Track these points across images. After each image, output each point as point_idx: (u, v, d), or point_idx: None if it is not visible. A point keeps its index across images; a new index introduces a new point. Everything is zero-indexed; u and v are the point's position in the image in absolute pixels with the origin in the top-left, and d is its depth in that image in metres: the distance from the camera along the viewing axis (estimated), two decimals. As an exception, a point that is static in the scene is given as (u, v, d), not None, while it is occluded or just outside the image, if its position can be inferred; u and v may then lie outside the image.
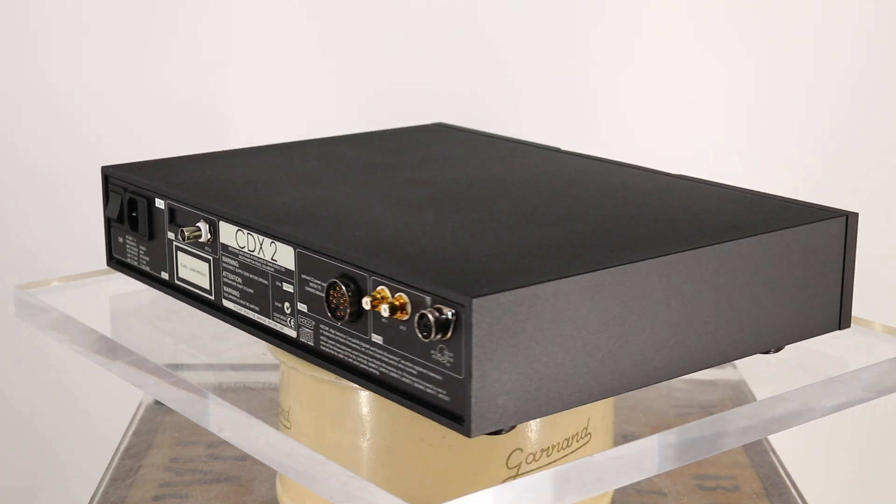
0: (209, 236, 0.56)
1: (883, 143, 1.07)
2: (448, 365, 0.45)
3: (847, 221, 0.55)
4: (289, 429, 0.58)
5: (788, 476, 0.69)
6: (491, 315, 0.44)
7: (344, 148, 0.68)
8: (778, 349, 0.54)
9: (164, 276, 0.60)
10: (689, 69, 1.06)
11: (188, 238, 0.56)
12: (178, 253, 0.59)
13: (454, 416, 0.45)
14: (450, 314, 0.44)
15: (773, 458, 0.71)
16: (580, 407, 0.55)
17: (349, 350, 0.50)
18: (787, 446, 0.80)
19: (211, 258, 0.57)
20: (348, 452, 0.55)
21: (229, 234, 0.55)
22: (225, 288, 0.56)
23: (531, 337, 0.45)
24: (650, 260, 0.48)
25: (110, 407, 1.04)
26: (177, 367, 0.63)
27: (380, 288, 0.47)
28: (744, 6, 1.05)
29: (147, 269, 0.61)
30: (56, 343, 0.65)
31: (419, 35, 1.05)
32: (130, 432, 0.74)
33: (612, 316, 0.48)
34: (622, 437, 0.66)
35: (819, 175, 1.07)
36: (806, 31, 1.05)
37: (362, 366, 0.49)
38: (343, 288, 0.48)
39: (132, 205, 0.61)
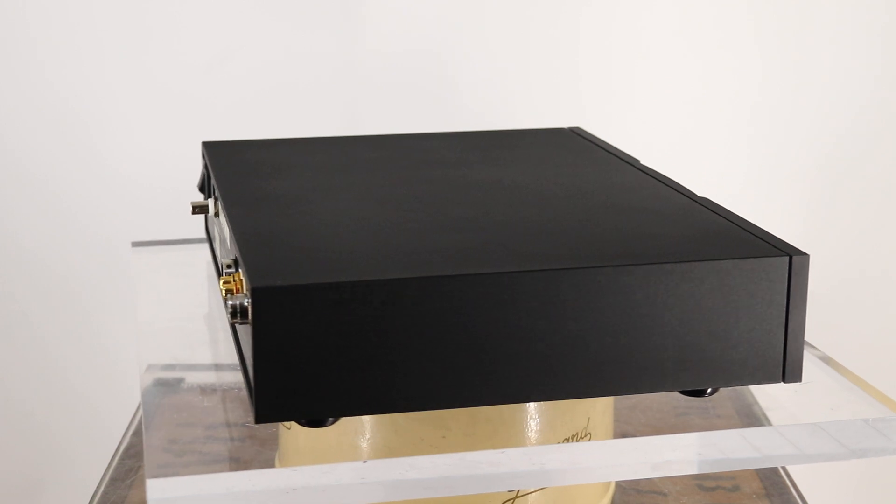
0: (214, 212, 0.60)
1: (890, 147, 1.07)
2: (250, 350, 0.46)
3: (791, 263, 0.49)
4: (289, 429, 0.58)
5: (788, 476, 0.69)
6: (280, 305, 0.44)
7: (432, 143, 0.69)
8: (712, 391, 0.50)
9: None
10: (691, 67, 1.06)
11: (194, 208, 0.62)
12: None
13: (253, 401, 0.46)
14: (246, 301, 0.45)
15: (774, 458, 0.71)
16: (580, 407, 0.55)
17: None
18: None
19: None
20: (348, 452, 0.55)
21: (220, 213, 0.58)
22: None
23: (331, 333, 0.45)
24: (513, 274, 0.47)
25: (111, 407, 1.04)
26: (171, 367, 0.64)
27: (237, 272, 0.48)
28: (747, 5, 1.05)
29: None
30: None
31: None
32: (130, 432, 0.74)
33: (451, 325, 0.46)
34: (622, 437, 0.66)
35: (824, 177, 1.07)
36: (814, 31, 1.05)
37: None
38: (233, 272, 0.50)
39: (205, 179, 0.66)
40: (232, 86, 1.06)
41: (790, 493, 0.66)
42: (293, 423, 0.58)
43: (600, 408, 0.58)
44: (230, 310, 0.46)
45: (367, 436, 0.55)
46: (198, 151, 0.72)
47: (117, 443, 0.73)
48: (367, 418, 0.55)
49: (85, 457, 1.06)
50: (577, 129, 0.73)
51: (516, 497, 0.55)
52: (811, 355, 0.62)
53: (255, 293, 0.45)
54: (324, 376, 0.46)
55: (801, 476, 0.73)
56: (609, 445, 0.53)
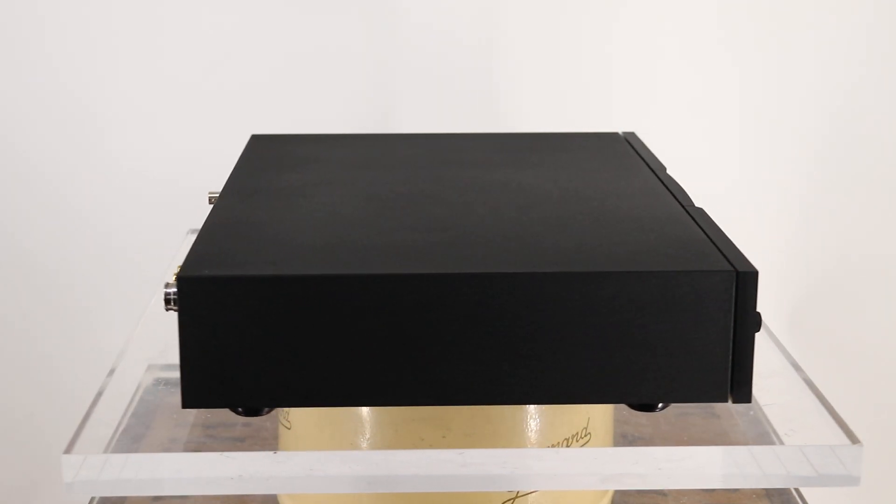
0: None
1: (886, 140, 1.07)
2: (180, 339, 0.47)
3: (737, 278, 0.47)
4: (289, 429, 0.58)
5: (788, 476, 0.68)
6: (202, 296, 0.46)
7: (466, 143, 0.69)
8: (661, 406, 0.49)
9: None
10: (692, 62, 1.06)
11: (210, 199, 0.61)
12: None
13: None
14: (172, 291, 0.46)
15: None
16: (580, 407, 0.55)
17: None
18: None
19: None
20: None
21: None
22: None
23: (249, 324, 0.46)
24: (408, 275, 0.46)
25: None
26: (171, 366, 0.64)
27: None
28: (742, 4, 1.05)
29: None
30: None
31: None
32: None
33: (373, 323, 0.46)
34: (622, 437, 0.66)
35: (821, 171, 1.07)
36: (808, 25, 1.05)
37: None
38: None
39: None
40: (240, 80, 1.06)
41: (790, 492, 0.66)
42: (293, 422, 0.58)
43: (600, 408, 0.58)
44: (163, 298, 0.47)
45: (367, 435, 0.55)
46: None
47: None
48: (366, 418, 0.55)
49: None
50: (630, 134, 0.71)
51: (516, 497, 0.55)
52: (791, 374, 0.61)
53: (178, 282, 0.46)
54: (246, 367, 0.47)
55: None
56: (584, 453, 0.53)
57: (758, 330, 0.47)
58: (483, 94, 1.06)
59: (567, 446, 0.56)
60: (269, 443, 0.64)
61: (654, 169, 0.63)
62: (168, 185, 1.04)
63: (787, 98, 1.06)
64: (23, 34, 1.03)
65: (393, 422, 0.54)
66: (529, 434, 0.55)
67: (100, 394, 0.59)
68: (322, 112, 1.05)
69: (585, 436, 0.57)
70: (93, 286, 1.07)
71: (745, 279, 0.47)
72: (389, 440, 0.54)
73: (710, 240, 0.50)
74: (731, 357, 0.47)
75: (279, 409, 0.60)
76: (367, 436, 0.55)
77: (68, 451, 0.51)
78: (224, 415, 0.68)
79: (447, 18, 1.04)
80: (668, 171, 0.63)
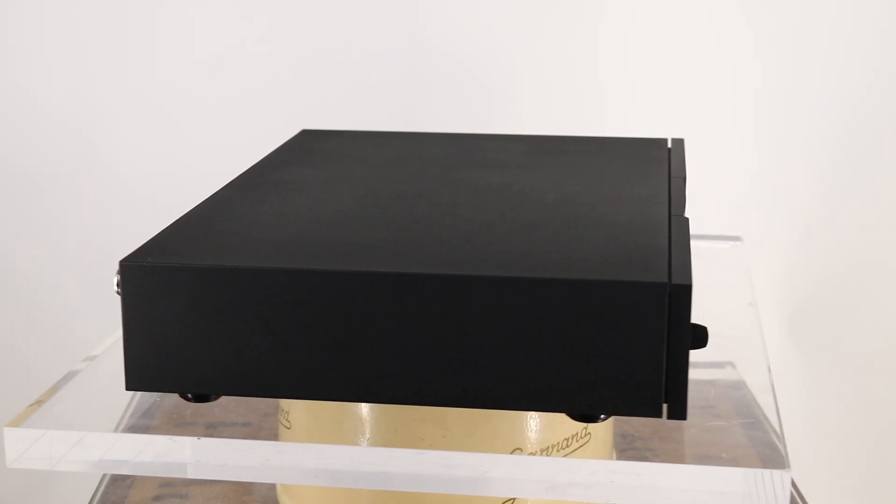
0: None
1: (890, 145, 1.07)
2: (122, 323, 0.49)
3: (670, 291, 0.45)
4: (289, 429, 0.58)
5: (788, 476, 0.69)
6: (141, 282, 0.47)
7: (498, 144, 0.69)
8: (602, 417, 0.48)
9: None
10: (696, 56, 1.06)
11: None
12: None
13: None
14: (118, 277, 0.48)
15: (773, 457, 0.71)
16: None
17: None
18: (787, 446, 0.80)
19: None
20: (348, 452, 0.55)
21: None
22: None
23: (190, 312, 0.47)
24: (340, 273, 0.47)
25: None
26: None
27: None
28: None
29: None
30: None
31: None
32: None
33: (302, 317, 0.47)
34: (622, 437, 0.66)
35: (831, 166, 1.07)
36: (820, 21, 1.05)
37: None
38: None
39: None
40: (225, 84, 1.06)
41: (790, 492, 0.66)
42: (293, 422, 0.58)
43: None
44: (115, 283, 0.49)
45: (367, 435, 0.55)
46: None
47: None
48: (366, 418, 0.55)
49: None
50: (678, 140, 0.70)
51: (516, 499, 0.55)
52: (754, 391, 0.61)
53: (120, 269, 0.48)
54: (184, 353, 0.48)
55: (802, 476, 0.73)
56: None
57: (702, 346, 0.46)
58: (544, 98, 1.06)
59: (567, 447, 0.56)
60: (269, 443, 0.64)
61: (671, 176, 0.61)
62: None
63: (797, 102, 1.06)
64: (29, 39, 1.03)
65: (393, 422, 0.54)
66: (529, 434, 0.55)
67: (72, 373, 0.61)
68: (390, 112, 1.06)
69: (585, 436, 0.57)
70: (90, 290, 1.07)
71: (678, 293, 0.45)
72: (389, 440, 0.54)
73: (668, 251, 0.49)
74: (664, 371, 0.46)
75: (279, 410, 0.60)
76: (367, 436, 0.55)
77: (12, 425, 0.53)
78: (224, 415, 0.68)
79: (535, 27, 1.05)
80: (688, 179, 0.62)
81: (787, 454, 0.53)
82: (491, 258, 0.48)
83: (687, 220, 0.54)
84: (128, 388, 0.49)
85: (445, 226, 0.53)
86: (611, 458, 0.61)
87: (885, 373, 1.10)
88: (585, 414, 0.47)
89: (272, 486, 0.66)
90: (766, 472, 0.48)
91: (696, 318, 0.51)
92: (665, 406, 0.46)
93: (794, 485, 0.68)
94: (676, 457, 0.62)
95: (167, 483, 0.67)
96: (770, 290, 1.08)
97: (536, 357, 0.46)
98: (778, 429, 0.56)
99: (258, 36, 1.06)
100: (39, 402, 0.57)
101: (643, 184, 0.60)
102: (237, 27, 1.05)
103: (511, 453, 0.54)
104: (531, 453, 0.55)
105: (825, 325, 1.10)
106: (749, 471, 0.49)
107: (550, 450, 0.55)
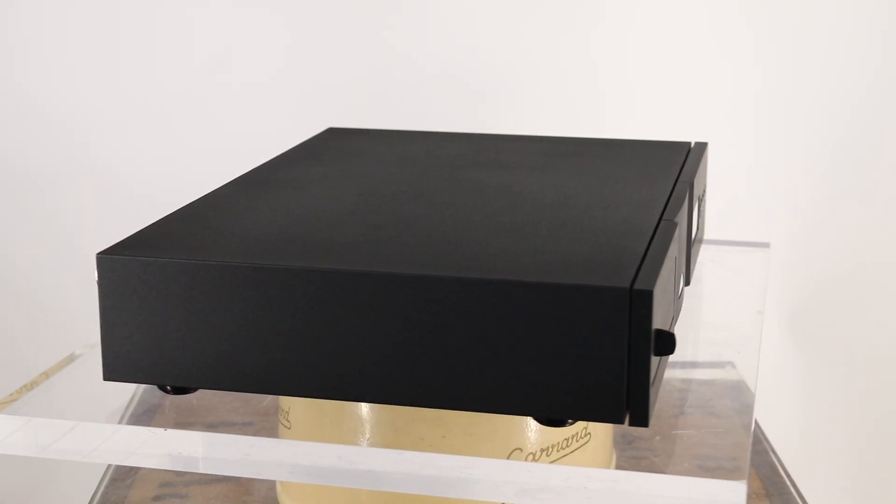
0: None
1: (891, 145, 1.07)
2: (99, 313, 0.50)
3: (631, 296, 0.44)
4: (289, 429, 0.58)
5: (788, 476, 0.69)
6: (114, 273, 0.48)
7: (516, 145, 0.69)
8: (569, 422, 0.47)
9: None
10: (695, 56, 1.06)
11: None
12: None
13: None
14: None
15: (773, 458, 0.71)
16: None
17: None
18: (787, 446, 0.81)
19: None
20: (348, 452, 0.55)
21: None
22: None
23: (164, 305, 0.48)
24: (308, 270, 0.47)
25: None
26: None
27: None
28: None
29: None
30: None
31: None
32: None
33: (264, 313, 0.48)
34: (622, 437, 0.66)
35: (831, 166, 1.07)
36: (819, 21, 1.05)
37: None
38: None
39: None
40: (222, 85, 1.06)
41: (790, 493, 0.66)
42: (293, 422, 0.58)
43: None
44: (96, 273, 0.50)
45: (367, 435, 0.55)
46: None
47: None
48: (366, 418, 0.55)
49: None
50: (701, 144, 0.69)
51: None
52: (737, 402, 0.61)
53: (97, 260, 0.49)
54: (157, 346, 0.49)
55: (801, 476, 0.73)
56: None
57: (669, 353, 0.46)
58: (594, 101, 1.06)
59: (567, 446, 0.56)
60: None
61: (678, 180, 0.61)
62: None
63: (797, 102, 1.06)
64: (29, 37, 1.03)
65: (393, 422, 0.54)
66: (529, 434, 0.55)
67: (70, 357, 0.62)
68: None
69: (585, 436, 0.57)
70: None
71: (639, 298, 0.44)
72: (389, 440, 0.54)
73: (644, 256, 0.48)
74: (626, 378, 0.45)
75: (279, 409, 0.60)
76: (367, 436, 0.55)
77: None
78: (224, 415, 0.68)
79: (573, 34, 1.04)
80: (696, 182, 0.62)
81: (747, 468, 0.52)
82: (458, 259, 0.48)
83: (675, 224, 0.53)
84: (105, 378, 0.50)
85: (428, 226, 0.53)
86: (611, 459, 0.61)
87: (885, 373, 1.10)
88: (551, 419, 0.46)
89: (272, 486, 0.66)
90: (723, 483, 0.48)
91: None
92: (627, 413, 0.45)
93: (794, 485, 0.68)
94: (675, 458, 0.62)
95: (167, 483, 0.67)
96: (770, 290, 1.08)
97: (501, 359, 0.46)
98: (750, 438, 0.56)
99: (259, 36, 1.06)
100: (27, 388, 0.58)
101: (646, 187, 0.60)
102: (237, 27, 1.05)
103: (511, 453, 0.54)
104: (531, 453, 0.55)
105: (825, 325, 1.10)
106: (709, 481, 0.48)
107: (550, 450, 0.55)
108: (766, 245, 0.77)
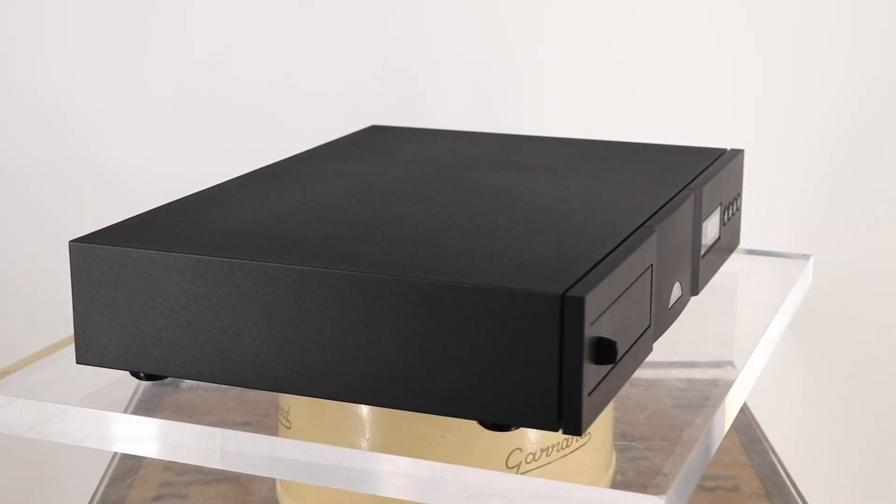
0: None
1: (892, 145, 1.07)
2: (72, 299, 0.51)
3: (563, 302, 0.44)
4: (289, 429, 0.58)
5: (788, 476, 0.69)
6: (86, 262, 0.50)
7: (543, 146, 0.68)
8: (513, 427, 0.46)
9: None
10: (697, 59, 1.06)
11: None
12: None
13: None
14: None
15: (773, 458, 0.71)
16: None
17: None
18: (787, 446, 0.81)
19: None
20: (348, 452, 0.55)
21: None
22: None
23: (134, 294, 0.49)
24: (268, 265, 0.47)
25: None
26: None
27: None
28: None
29: None
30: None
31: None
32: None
33: (219, 305, 0.48)
34: (621, 437, 0.66)
35: (830, 170, 1.07)
36: (819, 26, 1.05)
37: None
38: None
39: None
40: (224, 85, 1.06)
41: (790, 493, 0.66)
42: (293, 422, 0.58)
43: (600, 407, 0.57)
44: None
45: (367, 435, 0.55)
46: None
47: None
48: (366, 418, 0.55)
49: (84, 456, 1.06)
50: (735, 151, 0.68)
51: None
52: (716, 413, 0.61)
53: (69, 247, 0.50)
54: (130, 334, 0.50)
55: (801, 476, 0.73)
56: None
57: (610, 361, 0.45)
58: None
59: (567, 446, 0.56)
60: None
61: (686, 187, 0.60)
62: None
63: (799, 103, 1.06)
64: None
65: (393, 422, 0.54)
66: (529, 434, 0.55)
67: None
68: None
69: (585, 435, 0.57)
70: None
71: (571, 305, 0.43)
72: (389, 440, 0.54)
73: (598, 261, 0.48)
74: (558, 385, 0.44)
75: (279, 409, 0.60)
76: (367, 435, 0.55)
77: None
78: (225, 414, 0.68)
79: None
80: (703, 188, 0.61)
81: (672, 483, 0.51)
82: (410, 260, 0.48)
83: (652, 231, 0.52)
84: (78, 362, 0.51)
85: (403, 226, 0.53)
86: (611, 459, 0.61)
87: (885, 373, 1.10)
88: (494, 423, 0.46)
89: (272, 486, 0.66)
90: (645, 497, 0.47)
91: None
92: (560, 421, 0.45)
93: (794, 485, 0.68)
94: (674, 457, 0.62)
95: (167, 483, 0.67)
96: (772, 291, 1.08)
97: (445, 362, 0.46)
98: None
99: (259, 36, 1.06)
100: (6, 372, 0.60)
101: (647, 193, 0.59)
102: (237, 27, 1.05)
103: (510, 453, 0.54)
104: (531, 453, 0.55)
105: (825, 326, 1.10)
106: (630, 494, 0.47)
107: (550, 450, 0.55)
108: (806, 257, 0.74)
